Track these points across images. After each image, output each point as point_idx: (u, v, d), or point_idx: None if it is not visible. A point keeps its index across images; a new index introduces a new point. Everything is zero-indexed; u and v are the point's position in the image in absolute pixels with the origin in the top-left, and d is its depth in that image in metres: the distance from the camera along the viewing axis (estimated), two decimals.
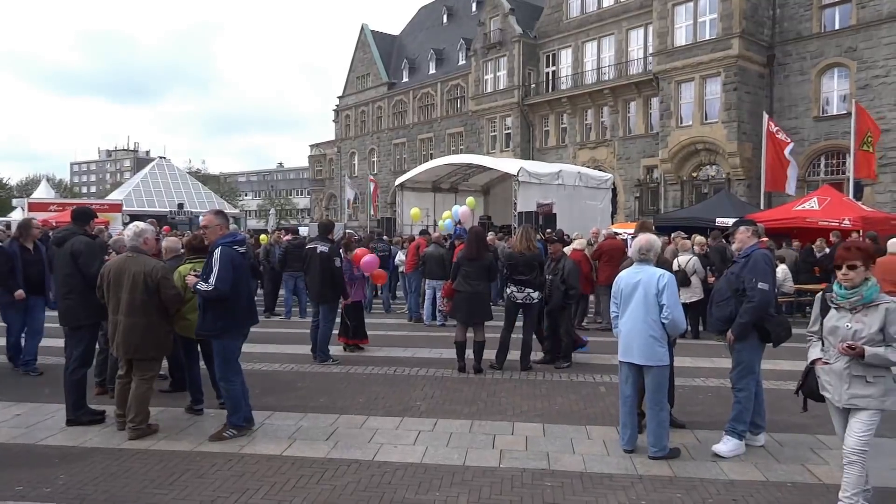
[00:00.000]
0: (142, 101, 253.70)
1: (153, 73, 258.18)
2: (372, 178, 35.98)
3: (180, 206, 30.52)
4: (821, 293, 4.02)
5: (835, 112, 25.84)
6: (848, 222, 14.03)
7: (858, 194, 22.67)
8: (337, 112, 56.42)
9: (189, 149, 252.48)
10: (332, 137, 58.19)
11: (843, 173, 23.03)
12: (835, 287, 3.80)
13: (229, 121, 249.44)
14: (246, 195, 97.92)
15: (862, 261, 3.69)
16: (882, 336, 3.61)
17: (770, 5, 27.40)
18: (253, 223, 64.20)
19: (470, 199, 20.13)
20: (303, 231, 23.51)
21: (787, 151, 19.77)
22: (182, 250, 6.49)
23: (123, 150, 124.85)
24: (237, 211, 43.28)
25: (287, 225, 51.36)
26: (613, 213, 25.52)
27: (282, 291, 13.48)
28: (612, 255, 11.09)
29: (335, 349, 8.85)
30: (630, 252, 5.74)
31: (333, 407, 6.30)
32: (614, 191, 25.55)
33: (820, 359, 3.93)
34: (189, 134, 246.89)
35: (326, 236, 8.57)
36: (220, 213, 5.63)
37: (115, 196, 34.88)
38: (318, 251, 8.28)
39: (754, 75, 27.05)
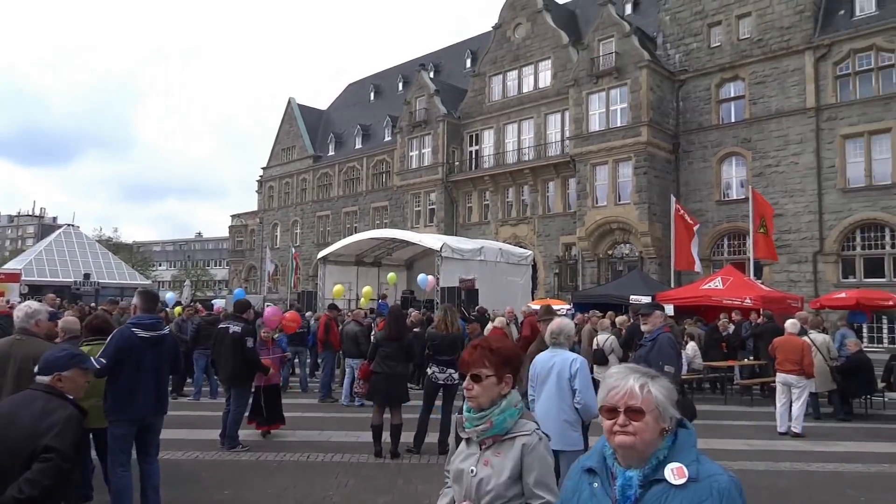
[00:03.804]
0: (52, 164, 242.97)
1: (65, 135, 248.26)
2: (294, 250, 35.46)
3: (86, 276, 28.96)
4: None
5: (735, 196, 27.81)
6: (749, 301, 14.87)
7: (758, 274, 24.20)
8: (260, 183, 55.97)
9: (102, 215, 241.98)
10: (255, 208, 57.42)
11: (745, 253, 24.60)
12: (464, 407, 2.49)
13: (147, 187, 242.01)
14: (160, 265, 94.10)
15: (494, 368, 2.40)
16: (518, 489, 2.32)
17: (674, 98, 29.69)
18: (167, 294, 61.50)
19: (391, 276, 20.12)
20: (218, 303, 22.68)
21: (695, 227, 21.12)
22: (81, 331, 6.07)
23: (27, 215, 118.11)
24: (148, 282, 41.38)
25: (202, 297, 49.46)
26: (534, 289, 26.10)
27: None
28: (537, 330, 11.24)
29: (248, 433, 8.38)
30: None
31: (238, 502, 5.90)
32: (534, 267, 26.23)
33: None
34: (102, 199, 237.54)
35: (241, 315, 8.27)
36: (142, 293, 5.38)
37: (14, 265, 32.71)
38: (231, 331, 7.95)
39: (662, 160, 28.91)
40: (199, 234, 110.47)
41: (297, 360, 14.27)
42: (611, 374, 1.90)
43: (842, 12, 26.09)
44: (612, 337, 11.12)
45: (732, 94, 28.41)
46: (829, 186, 25.34)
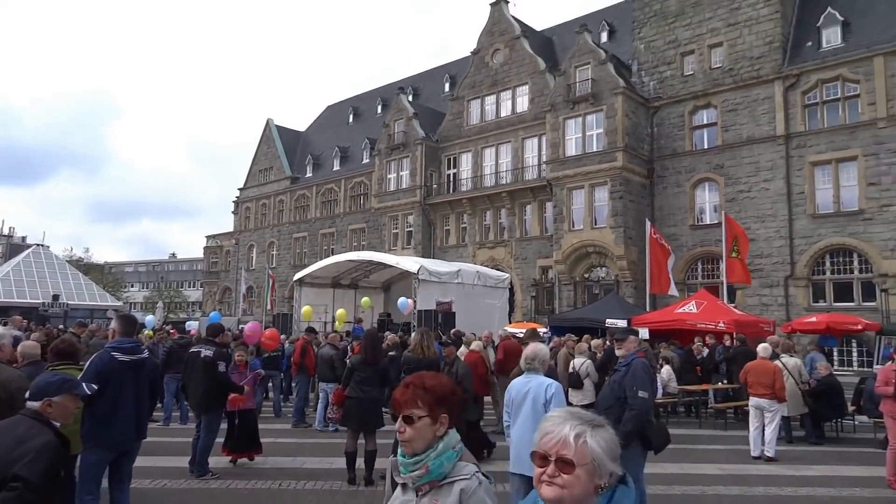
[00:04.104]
0: (22, 182, 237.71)
1: (37, 152, 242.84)
2: (270, 271, 35.15)
3: (55, 297, 28.37)
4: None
5: (708, 221, 28.25)
6: (723, 325, 15.04)
7: (731, 298, 24.51)
8: (237, 203, 55.55)
9: (73, 235, 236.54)
10: (231, 229, 56.91)
11: (718, 277, 24.94)
12: (399, 451, 2.27)
13: (120, 207, 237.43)
14: (132, 286, 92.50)
15: (428, 408, 2.16)
16: None
17: (649, 124, 30.23)
18: (139, 316, 60.35)
19: (365, 300, 20.03)
20: (192, 326, 22.35)
21: (670, 251, 21.41)
22: (42, 355, 5.90)
23: None
24: (120, 304, 40.65)
25: (175, 319, 48.68)
26: (511, 311, 26.11)
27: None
28: (514, 356, 11.21)
29: (218, 460, 8.19)
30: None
31: None
32: (511, 290, 26.27)
33: None
34: (74, 219, 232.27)
35: (213, 339, 8.13)
36: (121, 317, 5.27)
37: None
38: (203, 355, 7.81)
39: (637, 185, 29.32)
40: (173, 254, 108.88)
41: (270, 385, 14.06)
42: (549, 418, 1.74)
43: (809, 44, 26.89)
44: (588, 361, 11.13)
45: (705, 121, 29.02)
46: (799, 212, 25.88)
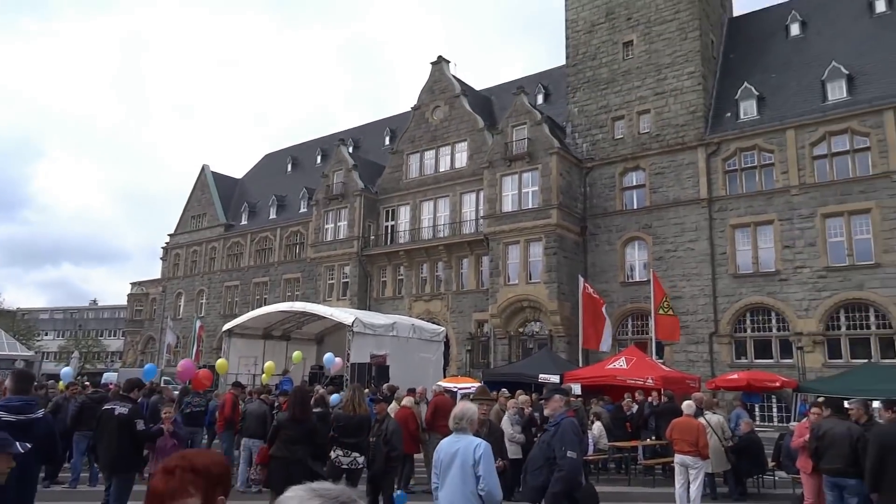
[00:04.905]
0: None
1: None
2: (199, 321, 33.89)
3: None
4: None
5: (638, 278, 29.17)
6: (651, 381, 15.37)
7: (660, 354, 25.17)
8: (166, 250, 53.76)
9: None
10: (158, 276, 54.86)
11: (647, 333, 25.62)
12: None
13: (38, 250, 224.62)
14: (46, 334, 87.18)
15: (203, 494, 1.84)
16: None
17: (582, 184, 31.34)
18: (51, 366, 56.73)
19: (296, 354, 19.51)
20: (110, 377, 21.11)
21: (603, 310, 21.88)
22: None
23: None
24: (30, 353, 38.14)
25: (92, 369, 45.99)
26: (446, 365, 25.93)
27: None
28: (445, 412, 11.07)
29: None
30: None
31: None
32: (447, 343, 26.17)
33: None
34: None
35: (129, 395, 7.69)
36: (15, 373, 4.89)
37: None
38: (117, 413, 7.36)
39: (571, 242, 30.13)
40: (94, 301, 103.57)
41: (190, 443, 13.33)
42: (289, 497, 1.50)
43: (728, 114, 28.75)
44: (517, 417, 11.09)
45: (634, 183, 30.32)
46: (721, 272, 27.10)
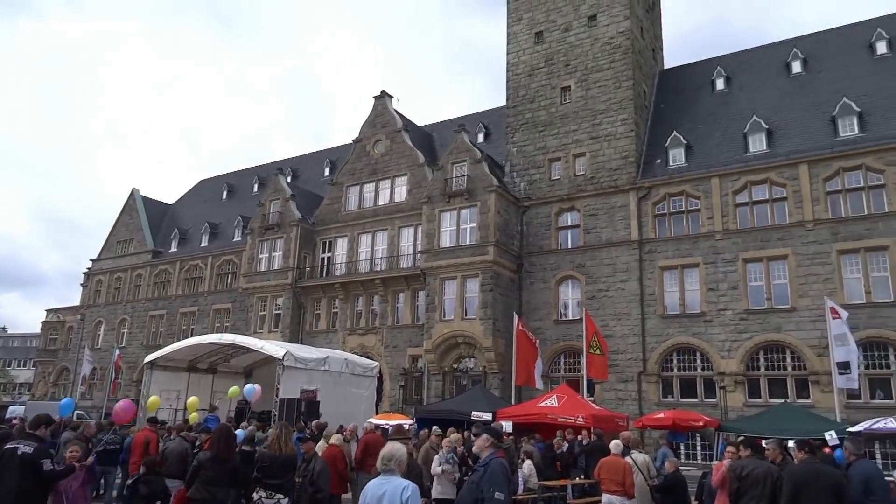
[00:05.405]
0: None
1: None
2: (118, 351, 32.29)
3: None
4: None
5: (571, 317, 29.68)
6: (581, 419, 15.56)
7: (591, 392, 25.57)
8: (88, 275, 51.24)
9: None
10: (77, 303, 52.11)
11: (579, 371, 26.00)
12: None
13: None
14: None
15: None
16: None
17: (519, 222, 31.90)
18: None
19: (233, 389, 18.80)
20: (14, 411, 19.77)
21: (536, 344, 22.14)
22: None
23: None
24: None
25: None
26: (378, 401, 25.55)
27: None
28: (376, 450, 10.84)
29: None
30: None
31: None
32: (380, 379, 25.82)
33: None
34: None
35: (34, 433, 7.18)
36: None
37: None
38: (20, 452, 6.84)
39: (507, 279, 30.49)
40: (3, 328, 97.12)
41: (103, 482, 12.55)
42: None
43: (658, 161, 30.03)
44: (452, 454, 10.98)
45: (569, 223, 31.09)
46: (650, 312, 27.92)
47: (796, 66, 30.91)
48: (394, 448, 5.05)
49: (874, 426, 16.86)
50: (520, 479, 12.63)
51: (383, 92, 38.32)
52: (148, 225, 49.18)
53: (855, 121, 26.10)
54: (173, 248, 46.89)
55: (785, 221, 25.97)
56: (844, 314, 19.57)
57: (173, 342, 26.83)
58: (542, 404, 17.20)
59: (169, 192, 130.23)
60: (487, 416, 17.34)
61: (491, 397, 21.55)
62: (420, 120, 43.15)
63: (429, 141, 39.60)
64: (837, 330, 19.23)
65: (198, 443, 10.96)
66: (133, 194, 51.32)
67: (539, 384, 23.09)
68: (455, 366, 30.48)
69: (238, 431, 11.32)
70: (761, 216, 26.71)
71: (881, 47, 29.12)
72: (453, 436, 11.66)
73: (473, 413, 17.10)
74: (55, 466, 7.05)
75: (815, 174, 25.65)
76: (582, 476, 14.00)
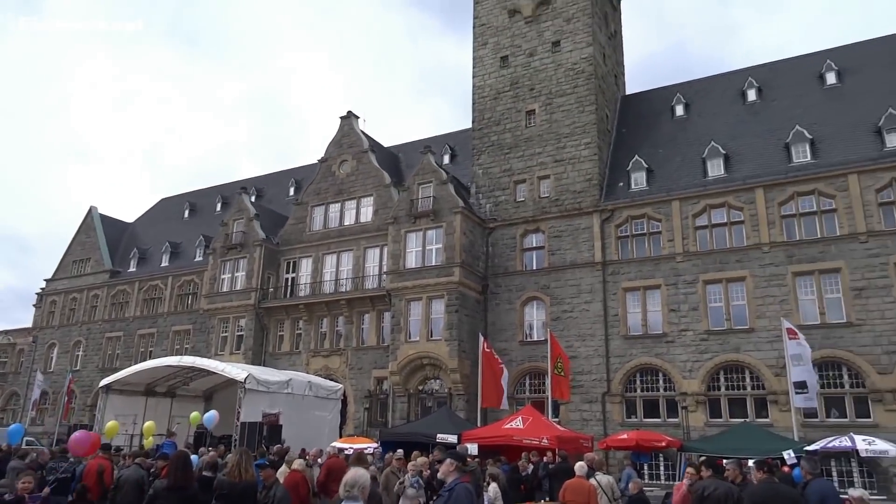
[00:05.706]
0: None
1: None
2: (71, 374, 31.22)
3: None
4: None
5: (536, 338, 29.81)
6: (546, 441, 15.57)
7: (556, 413, 25.63)
8: (41, 296, 49.60)
9: None
10: (30, 324, 50.31)
11: (544, 392, 26.06)
12: None
13: None
14: None
15: None
16: None
17: (484, 243, 32.06)
18: None
19: (194, 415, 18.36)
20: None
21: (502, 366, 22.14)
22: None
23: None
24: None
25: None
26: (342, 424, 25.20)
27: None
28: (339, 475, 10.64)
29: None
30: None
31: None
32: (344, 401, 25.50)
33: None
34: None
35: None
36: None
37: None
38: None
39: (472, 300, 30.52)
40: None
41: None
42: None
43: (621, 184, 30.59)
44: (417, 478, 10.85)
45: (534, 245, 31.36)
46: (614, 333, 28.22)
47: (751, 95, 31.95)
48: (357, 474, 4.98)
49: (829, 444, 17.29)
50: (485, 501, 12.52)
51: (350, 112, 38.35)
52: (106, 244, 47.96)
53: (807, 147, 27.04)
54: (132, 268, 45.78)
55: (742, 244, 26.63)
56: (802, 336, 20.09)
57: (130, 365, 26.09)
58: (508, 426, 17.17)
59: (128, 210, 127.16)
60: (453, 439, 17.22)
61: (456, 419, 21.44)
62: (386, 141, 43.30)
63: (395, 162, 39.67)
64: (794, 350, 19.73)
65: (153, 469, 10.61)
66: (91, 212, 50.10)
67: (505, 405, 23.07)
68: (420, 387, 30.27)
69: (193, 457, 11.01)
70: (720, 239, 27.34)
71: (831, 77, 30.35)
72: (419, 459, 11.52)
73: (439, 435, 16.98)
74: (4, 497, 6.76)
75: (771, 198, 26.44)
76: (546, 499, 13.96)
